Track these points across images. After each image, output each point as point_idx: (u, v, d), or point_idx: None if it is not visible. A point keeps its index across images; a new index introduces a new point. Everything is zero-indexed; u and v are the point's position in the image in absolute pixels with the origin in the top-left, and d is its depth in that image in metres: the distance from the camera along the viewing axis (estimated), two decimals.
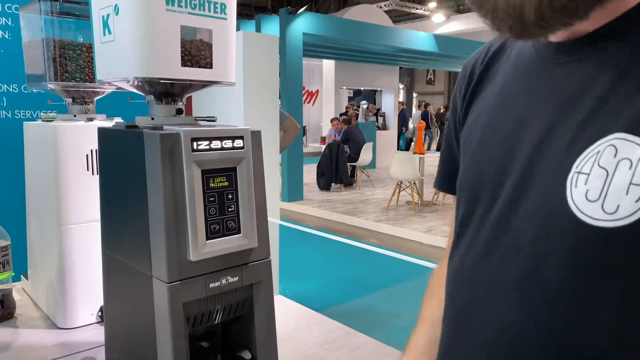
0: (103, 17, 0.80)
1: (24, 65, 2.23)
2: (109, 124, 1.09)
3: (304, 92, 12.43)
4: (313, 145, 13.42)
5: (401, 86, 21.03)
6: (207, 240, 0.76)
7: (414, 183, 7.21)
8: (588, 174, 0.42)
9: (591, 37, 0.48)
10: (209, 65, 0.82)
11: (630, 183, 0.39)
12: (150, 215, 0.75)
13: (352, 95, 16.51)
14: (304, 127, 13.12)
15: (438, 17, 15.47)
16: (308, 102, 16.02)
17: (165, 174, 0.73)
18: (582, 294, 0.42)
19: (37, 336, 1.09)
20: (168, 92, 0.83)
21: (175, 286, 0.74)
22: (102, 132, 0.87)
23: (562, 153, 0.45)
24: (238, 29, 9.38)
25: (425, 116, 14.88)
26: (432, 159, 8.50)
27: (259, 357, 0.85)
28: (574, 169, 0.44)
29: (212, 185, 0.77)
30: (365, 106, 13.33)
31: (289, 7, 8.69)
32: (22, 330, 1.12)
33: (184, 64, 0.78)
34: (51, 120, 1.14)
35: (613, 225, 0.40)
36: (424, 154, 7.34)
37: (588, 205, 0.42)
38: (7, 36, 2.24)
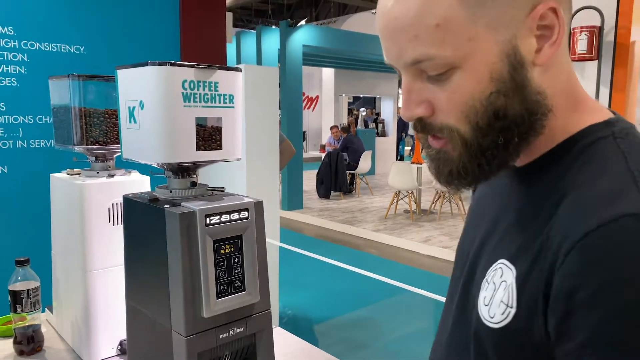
0: (129, 107, 0.94)
1: (38, 98, 2.38)
2: (128, 178, 1.24)
3: (303, 97, 12.58)
4: (313, 152, 13.58)
5: (400, 91, 21.20)
6: (217, 299, 0.90)
7: (412, 192, 7.35)
8: (488, 284, 0.56)
9: (530, 166, 0.59)
10: (219, 147, 0.96)
11: (501, 301, 0.53)
12: (170, 277, 0.89)
13: (351, 101, 16.69)
14: (304, 132, 13.28)
15: None
16: (308, 108, 16.18)
17: (183, 244, 0.87)
18: None
19: None
20: (184, 169, 0.97)
21: (191, 339, 0.88)
22: (127, 201, 1.01)
23: (486, 262, 0.60)
24: (238, 40, 9.51)
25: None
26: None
27: None
28: (485, 276, 0.58)
29: (221, 252, 0.91)
30: (364, 113, 13.51)
31: (290, 19, 8.85)
32: None
33: (198, 148, 0.93)
34: (77, 174, 1.29)
35: (492, 326, 0.54)
36: (421, 163, 7.48)
37: (483, 307, 0.56)
38: (23, 71, 2.40)
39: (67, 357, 1.29)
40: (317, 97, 16.70)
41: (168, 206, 0.90)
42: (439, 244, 5.91)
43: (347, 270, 5.49)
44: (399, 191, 7.35)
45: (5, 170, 2.35)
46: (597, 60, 4.53)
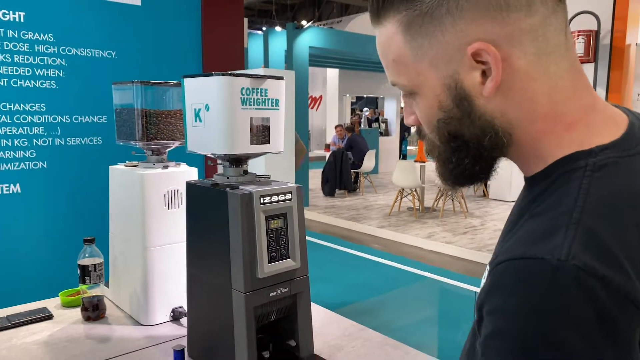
0: (195, 109, 1.16)
1: (74, 99, 2.59)
2: (179, 169, 1.46)
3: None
4: (317, 151, 13.79)
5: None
6: (268, 263, 1.12)
7: (415, 190, 7.56)
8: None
9: (530, 180, 0.61)
10: (267, 142, 1.18)
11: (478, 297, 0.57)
12: (231, 246, 1.11)
13: (354, 100, 16.89)
14: (308, 131, 13.49)
15: None
16: (312, 108, 16.40)
17: (243, 219, 1.09)
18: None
19: (127, 331, 1.45)
20: (238, 159, 1.19)
21: (249, 295, 1.10)
22: (190, 186, 1.23)
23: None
24: (246, 43, 9.73)
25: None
26: (433, 166, 8.86)
27: (301, 345, 1.21)
28: (485, 272, 0.62)
29: (271, 226, 1.13)
30: (367, 113, 13.73)
31: (293, 20, 9.05)
32: (114, 326, 1.48)
33: (251, 142, 1.15)
34: (134, 166, 1.50)
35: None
36: (425, 162, 7.69)
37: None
38: (61, 74, 2.62)
39: (127, 322, 1.50)
40: (320, 97, 16.91)
41: (229, 189, 1.12)
42: (442, 240, 6.12)
43: (356, 262, 5.71)
44: (403, 189, 7.57)
45: (45, 166, 2.57)
46: (593, 63, 4.74)
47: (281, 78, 1.19)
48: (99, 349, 1.34)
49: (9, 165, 2.43)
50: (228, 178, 1.19)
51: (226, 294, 1.13)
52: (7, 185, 2.43)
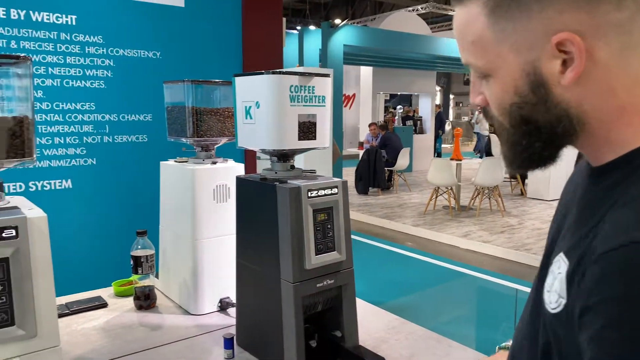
0: (246, 107, 1.20)
1: (122, 99, 2.70)
2: (227, 165, 1.51)
3: None
4: (350, 149, 13.79)
5: (438, 88, 21.13)
6: (315, 255, 1.15)
7: (451, 188, 7.49)
8: (552, 273, 0.60)
9: (602, 169, 0.61)
10: (314, 137, 1.21)
11: (556, 290, 0.58)
12: (280, 238, 1.15)
13: (388, 98, 16.79)
14: (341, 130, 13.50)
15: None
16: (345, 106, 16.41)
17: (291, 212, 1.13)
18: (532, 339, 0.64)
19: (177, 319, 1.51)
20: (286, 155, 1.23)
21: (297, 285, 1.13)
22: (240, 180, 1.28)
23: (556, 251, 0.63)
24: (284, 42, 9.82)
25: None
26: (469, 165, 8.74)
27: (346, 335, 1.24)
28: (552, 265, 0.62)
29: (318, 219, 1.16)
30: (400, 111, 13.63)
31: (326, 18, 9.09)
32: (165, 315, 1.55)
33: (299, 138, 1.18)
34: (184, 162, 1.57)
35: (551, 311, 0.59)
36: (461, 160, 7.60)
37: (546, 293, 0.61)
38: (109, 74, 2.72)
39: (177, 311, 1.57)
40: (353, 95, 16.90)
41: (278, 183, 1.16)
42: (479, 239, 6.04)
43: (390, 259, 5.71)
44: (438, 187, 7.50)
45: (95, 162, 2.68)
46: None
47: (327, 75, 1.22)
48: (152, 335, 1.40)
49: (61, 161, 2.55)
50: (276, 173, 1.23)
51: (275, 284, 1.17)
52: (60, 180, 2.55)
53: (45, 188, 2.51)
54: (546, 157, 0.63)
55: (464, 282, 4.98)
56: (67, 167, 2.57)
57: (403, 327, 1.46)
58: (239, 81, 1.22)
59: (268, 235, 1.18)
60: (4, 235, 0.76)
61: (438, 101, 18.84)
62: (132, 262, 1.56)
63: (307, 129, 1.20)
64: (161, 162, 1.66)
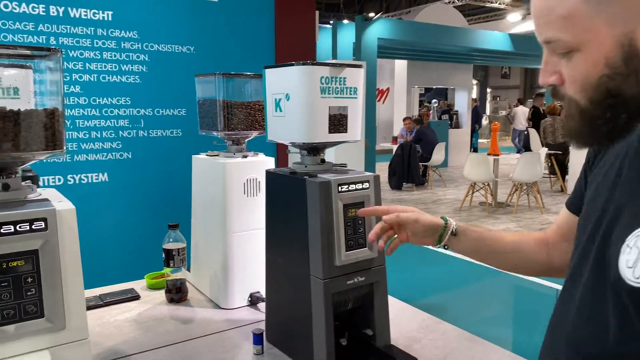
0: (276, 99, 1.18)
1: (157, 93, 2.73)
2: (257, 159, 1.50)
3: None
4: (383, 144, 13.66)
5: (474, 81, 20.69)
6: (346, 251, 1.12)
7: (488, 184, 7.31)
8: (631, 249, 0.62)
9: None
10: (345, 130, 1.18)
11: None
12: (309, 233, 1.12)
13: (423, 92, 16.55)
14: (375, 124, 13.39)
15: (514, 16, 15.14)
16: (378, 100, 16.26)
17: (321, 207, 1.10)
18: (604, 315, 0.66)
19: (208, 313, 1.51)
20: (316, 148, 1.20)
21: (327, 282, 1.11)
22: (269, 174, 1.26)
23: (625, 227, 0.65)
24: (317, 36, 9.81)
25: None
26: (507, 160, 8.51)
27: (377, 334, 1.21)
28: (626, 241, 0.63)
29: (349, 214, 1.13)
30: (435, 104, 13.41)
31: (360, 12, 9.01)
32: (196, 308, 1.55)
33: (330, 131, 1.15)
34: (216, 155, 1.56)
35: (637, 285, 0.60)
36: (498, 155, 7.41)
37: (626, 270, 0.62)
38: (144, 69, 2.75)
39: (207, 305, 1.57)
40: (387, 89, 16.72)
41: (307, 177, 1.13)
42: None
43: (423, 255, 5.63)
44: (474, 183, 7.34)
45: (130, 156, 2.72)
46: None
47: (360, 66, 1.19)
48: (182, 329, 1.41)
49: (98, 155, 2.60)
50: (306, 166, 1.20)
51: (304, 281, 1.15)
52: (97, 174, 2.60)
53: (82, 181, 2.56)
54: (626, 130, 0.64)
55: (500, 281, 4.85)
56: (104, 161, 2.62)
57: (437, 326, 1.41)
58: (269, 73, 1.20)
59: (297, 230, 1.16)
60: (33, 227, 0.77)
61: (474, 95, 18.47)
62: (163, 255, 1.56)
63: (338, 122, 1.17)
64: (193, 156, 1.66)
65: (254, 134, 1.56)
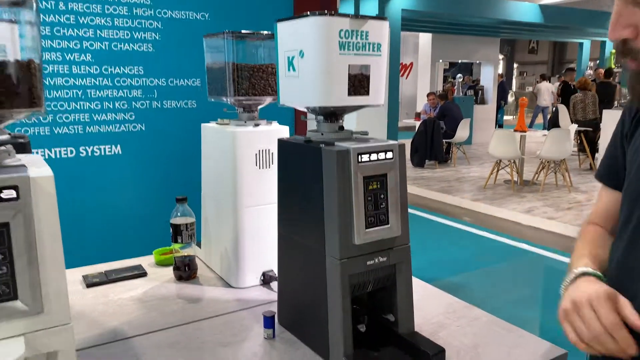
0: (288, 57, 1.05)
1: (170, 62, 2.61)
2: (271, 127, 1.37)
3: None
4: (406, 120, 13.38)
5: (501, 56, 20.06)
6: (366, 229, 1.00)
7: (514, 162, 7.07)
8: None
9: None
10: (366, 93, 1.05)
11: None
12: (325, 209, 1.00)
13: (447, 67, 16.11)
14: (398, 100, 13.09)
15: None
16: (402, 75, 15.89)
17: (339, 179, 0.97)
18: None
19: (218, 292, 1.41)
20: (334, 113, 1.07)
21: (344, 262, 0.99)
22: (282, 143, 1.13)
23: None
24: (337, 8, 9.56)
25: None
26: (534, 137, 8.23)
27: (400, 320, 1.09)
28: None
29: (370, 188, 1.00)
30: (460, 79, 13.02)
31: None
32: (205, 287, 1.45)
33: (349, 93, 1.02)
34: (226, 124, 1.44)
35: None
36: (525, 131, 7.14)
37: None
38: (157, 37, 2.63)
39: (218, 283, 1.47)
40: (411, 64, 16.32)
41: (323, 145, 1.00)
42: (543, 215, 5.67)
43: (448, 234, 5.48)
44: (500, 160, 7.10)
45: (143, 128, 2.62)
46: None
47: (385, 19, 1.04)
48: (189, 308, 1.31)
49: (110, 127, 2.51)
50: (322, 134, 1.07)
51: (320, 260, 1.03)
52: (110, 146, 2.52)
53: (95, 154, 2.48)
54: None
55: (527, 260, 4.69)
56: (117, 133, 2.53)
57: (465, 311, 1.29)
58: (282, 28, 1.07)
59: (312, 205, 1.04)
60: (2, 196, 0.66)
61: (501, 70, 17.93)
62: (171, 231, 1.47)
63: (359, 83, 1.03)
64: (202, 124, 1.54)
65: (268, 100, 1.44)
